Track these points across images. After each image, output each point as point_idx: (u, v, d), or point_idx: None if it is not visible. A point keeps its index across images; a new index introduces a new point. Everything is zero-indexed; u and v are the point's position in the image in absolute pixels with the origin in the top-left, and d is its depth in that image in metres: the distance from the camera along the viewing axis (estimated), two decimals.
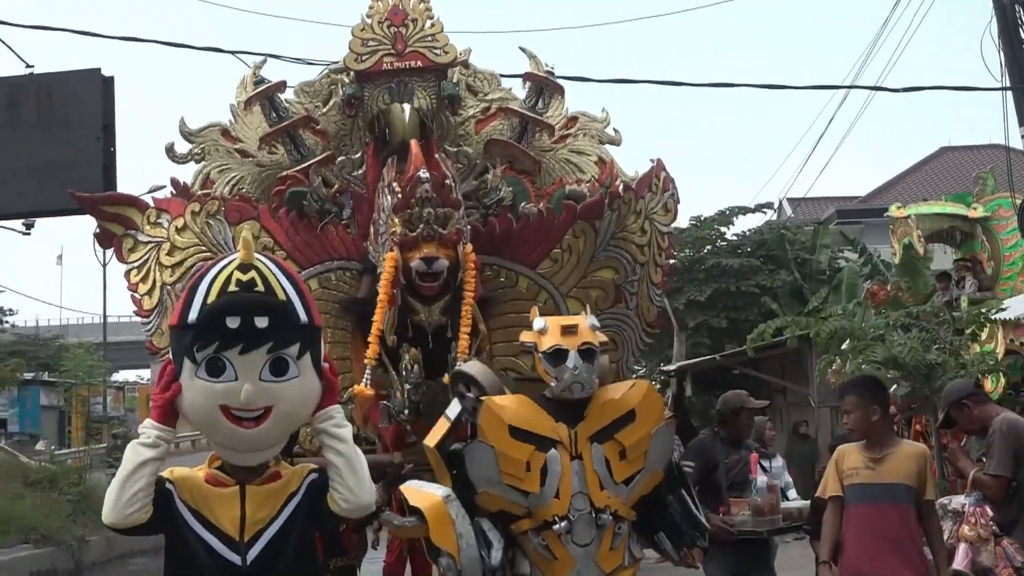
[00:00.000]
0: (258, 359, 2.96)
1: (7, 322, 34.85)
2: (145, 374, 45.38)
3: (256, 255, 3.03)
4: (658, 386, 21.43)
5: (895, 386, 9.83)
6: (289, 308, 3.01)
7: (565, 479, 4.11)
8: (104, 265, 30.74)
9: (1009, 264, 11.22)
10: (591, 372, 4.20)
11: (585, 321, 4.29)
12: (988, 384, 10.03)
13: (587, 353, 4.17)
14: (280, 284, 3.03)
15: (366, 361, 5.26)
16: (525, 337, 4.38)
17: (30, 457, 18.63)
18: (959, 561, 5.15)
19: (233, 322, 2.91)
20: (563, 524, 4.08)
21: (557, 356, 4.17)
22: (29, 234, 20.14)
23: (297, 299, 3.05)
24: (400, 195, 5.21)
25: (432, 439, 4.31)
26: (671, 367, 19.41)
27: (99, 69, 19.13)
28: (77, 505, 14.17)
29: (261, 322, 2.93)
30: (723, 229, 22.39)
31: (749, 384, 17.35)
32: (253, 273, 2.99)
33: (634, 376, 6.06)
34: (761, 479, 5.94)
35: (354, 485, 3.16)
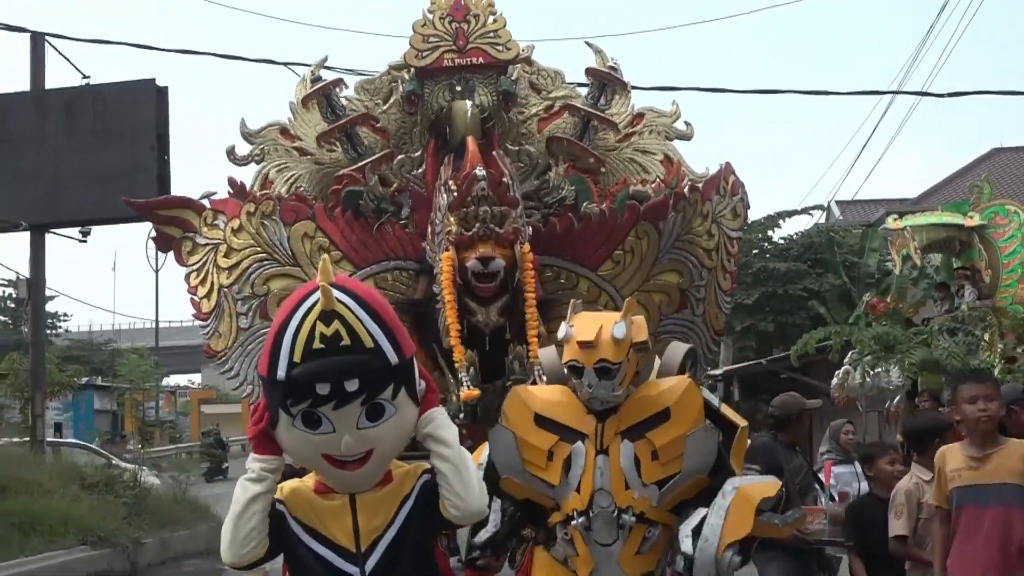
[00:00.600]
0: (353, 411, 2.85)
1: (61, 327, 35.07)
2: (196, 378, 45.59)
3: (337, 293, 2.83)
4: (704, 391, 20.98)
5: (896, 398, 9.56)
6: (378, 355, 2.86)
7: (587, 474, 3.82)
8: (156, 271, 30.85)
9: (1008, 271, 10.88)
10: (610, 388, 3.85)
11: (607, 333, 3.87)
12: None
13: (603, 371, 3.82)
14: (366, 329, 2.85)
15: (457, 365, 5.07)
16: (560, 335, 4.04)
17: (120, 456, 18.78)
18: None
19: (323, 388, 2.81)
20: (581, 520, 3.80)
21: (573, 372, 3.88)
22: (85, 242, 20.04)
23: (385, 339, 2.87)
24: (456, 193, 5.02)
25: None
26: (717, 371, 19.11)
27: (154, 80, 19.24)
28: (132, 508, 14.16)
29: (351, 385, 2.82)
30: (770, 233, 22.03)
31: (797, 388, 17.00)
32: (337, 324, 2.82)
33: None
34: (850, 490, 5.70)
35: (463, 491, 3.02)
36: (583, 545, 3.84)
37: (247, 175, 5.85)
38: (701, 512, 3.88)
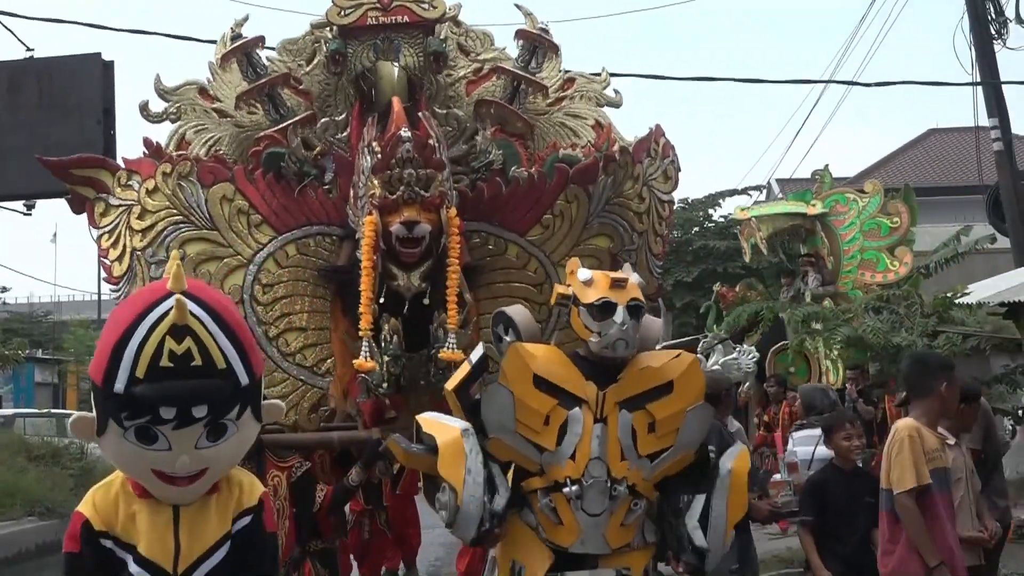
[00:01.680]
0: (194, 432, 2.60)
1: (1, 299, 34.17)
2: None
3: (191, 305, 2.58)
4: None
5: (747, 384, 9.74)
6: (228, 376, 2.65)
7: (584, 441, 3.63)
8: (98, 239, 30.02)
9: (848, 258, 11.12)
10: (637, 331, 3.70)
11: (633, 277, 3.80)
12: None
13: (635, 310, 3.69)
14: (219, 348, 2.63)
15: (361, 333, 4.81)
16: (560, 290, 3.87)
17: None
18: None
19: (168, 412, 2.57)
20: (574, 488, 3.60)
21: (605, 310, 3.67)
22: (30, 215, 19.66)
23: (238, 359, 2.66)
24: (380, 155, 4.73)
25: (451, 382, 3.84)
26: (657, 347, 18.89)
27: (99, 54, 18.51)
28: (79, 479, 13.92)
29: (199, 411, 2.59)
30: (711, 212, 21.97)
31: None
32: (189, 342, 2.58)
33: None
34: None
35: None
36: (570, 514, 3.63)
37: (161, 134, 5.47)
38: (700, 499, 3.76)
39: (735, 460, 3.83)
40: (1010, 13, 13.23)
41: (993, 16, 13.16)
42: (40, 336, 31.17)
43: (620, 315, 3.64)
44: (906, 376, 4.81)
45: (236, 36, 5.43)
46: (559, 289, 3.90)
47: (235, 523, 2.79)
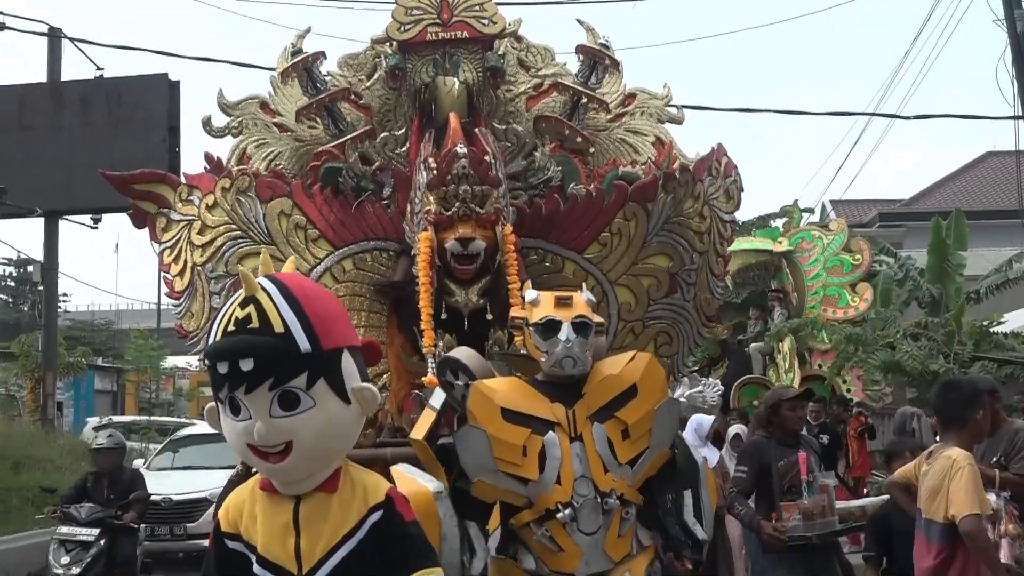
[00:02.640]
0: (263, 397, 2.67)
1: (61, 308, 34.61)
2: (194, 360, 44.79)
3: (263, 281, 2.75)
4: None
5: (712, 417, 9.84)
6: (285, 339, 2.70)
7: (566, 463, 3.53)
8: (160, 254, 30.30)
9: (812, 294, 11.19)
10: (584, 348, 3.61)
11: (581, 295, 3.73)
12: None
13: (581, 327, 3.60)
14: (279, 314, 2.71)
15: (425, 350, 4.69)
16: (514, 312, 3.83)
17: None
18: (1005, 555, 4.52)
19: (222, 367, 2.68)
20: (567, 512, 3.49)
21: (549, 328, 3.60)
22: (97, 228, 19.94)
23: (299, 326, 2.72)
24: (436, 171, 4.61)
25: (419, 431, 3.79)
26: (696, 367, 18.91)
27: (166, 74, 18.87)
28: None
29: (245, 364, 2.66)
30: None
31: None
32: (251, 308, 2.70)
33: (682, 376, 5.28)
34: (828, 480, 5.15)
35: None
36: (567, 538, 3.51)
37: (223, 149, 5.39)
38: (688, 495, 3.74)
39: (696, 452, 3.88)
40: None
41: None
42: (101, 344, 31.48)
43: (565, 332, 3.57)
44: (939, 406, 4.60)
45: (297, 51, 5.34)
46: (513, 312, 3.85)
47: (365, 521, 2.74)
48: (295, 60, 5.29)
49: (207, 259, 4.97)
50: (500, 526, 3.66)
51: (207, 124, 5.40)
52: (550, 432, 3.54)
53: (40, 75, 19.53)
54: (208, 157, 5.25)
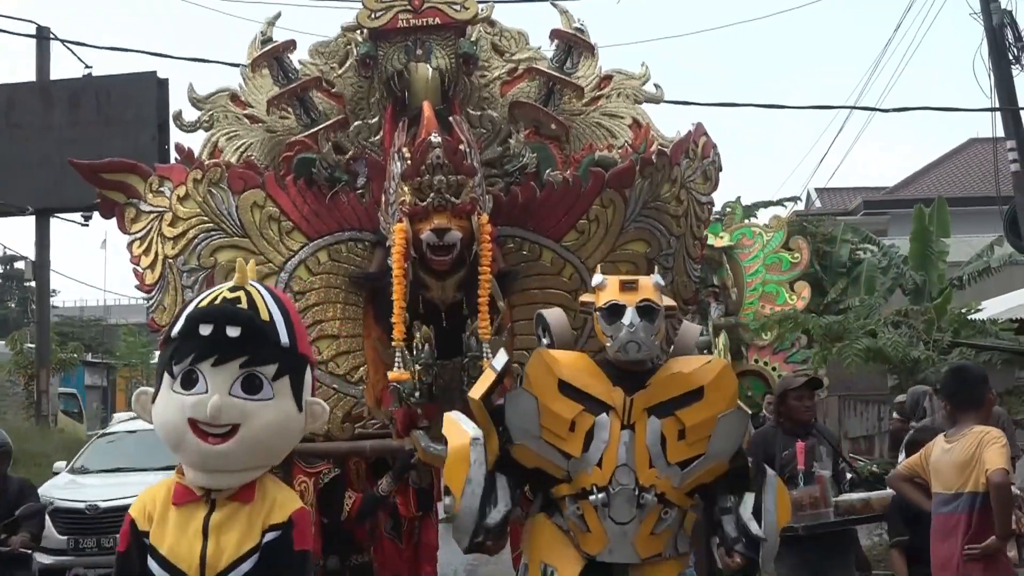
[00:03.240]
0: (229, 373, 2.71)
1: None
2: None
3: (252, 282, 2.89)
4: None
5: None
6: (268, 327, 2.79)
7: (611, 448, 3.49)
8: (129, 245, 30.18)
9: (751, 290, 10.96)
10: (650, 332, 3.53)
11: (649, 279, 3.67)
12: None
13: (646, 311, 3.54)
14: (266, 306, 2.83)
15: (394, 343, 4.56)
16: (584, 297, 3.79)
17: None
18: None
19: (205, 329, 2.73)
20: (600, 496, 3.46)
21: (613, 312, 3.56)
22: (87, 225, 20.03)
23: (283, 324, 2.83)
24: (410, 161, 4.47)
25: (477, 391, 3.69)
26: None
27: (155, 72, 18.70)
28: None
29: (233, 331, 2.72)
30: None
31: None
32: (240, 292, 2.83)
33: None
34: (824, 471, 5.07)
35: None
36: (597, 522, 3.48)
37: (196, 143, 5.26)
38: (751, 495, 3.64)
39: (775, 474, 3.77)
40: None
41: (1011, 42, 13.35)
42: (91, 340, 31.35)
43: (629, 316, 3.51)
44: (954, 390, 4.53)
45: (267, 40, 5.19)
46: (583, 297, 3.78)
47: (263, 536, 2.71)
48: (264, 49, 5.14)
49: (179, 252, 4.82)
50: (540, 493, 3.66)
51: (178, 118, 5.27)
52: (603, 414, 3.49)
53: (29, 74, 19.41)
54: (179, 148, 5.12)
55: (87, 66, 18.89)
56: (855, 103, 17.96)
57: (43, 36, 18.33)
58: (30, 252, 19.96)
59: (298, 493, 4.48)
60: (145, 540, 2.72)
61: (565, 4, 5.43)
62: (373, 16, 4.99)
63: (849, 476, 5.47)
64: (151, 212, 4.91)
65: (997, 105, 13.33)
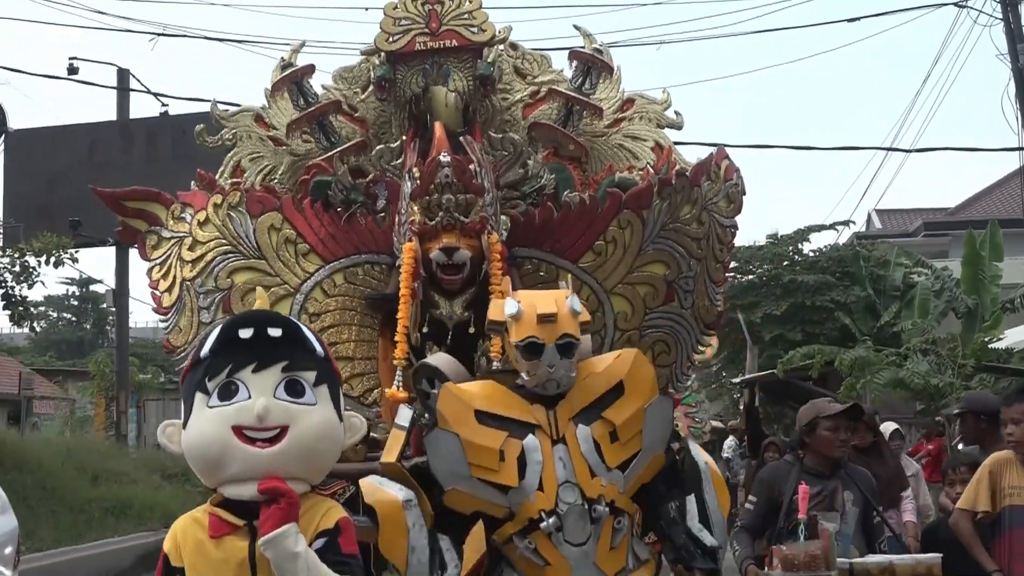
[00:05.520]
0: (272, 376, 2.48)
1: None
2: None
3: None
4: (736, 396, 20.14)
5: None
6: (304, 336, 2.62)
7: (548, 468, 3.11)
8: (149, 271, 30.24)
9: None
10: (570, 368, 3.18)
11: (565, 305, 3.23)
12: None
13: (566, 347, 3.18)
14: (294, 321, 2.74)
15: (395, 362, 4.29)
16: (495, 316, 3.37)
17: None
18: None
19: (246, 332, 2.52)
20: (552, 520, 3.06)
21: (531, 350, 3.17)
22: None
23: (314, 337, 2.65)
24: (419, 180, 4.22)
25: (390, 455, 3.30)
26: (737, 380, 18.33)
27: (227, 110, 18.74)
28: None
29: (275, 332, 2.53)
30: (800, 246, 21.00)
31: (813, 396, 15.97)
32: (268, 311, 2.76)
33: (683, 387, 4.80)
34: (829, 524, 3.99)
35: None
36: (553, 550, 3.07)
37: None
38: (692, 500, 3.29)
39: (702, 453, 3.41)
40: None
41: None
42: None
43: (548, 356, 3.15)
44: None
45: (288, 64, 4.98)
46: (491, 315, 3.39)
47: (311, 545, 2.43)
48: (284, 74, 4.94)
49: (196, 274, 4.60)
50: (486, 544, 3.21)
51: (199, 135, 5.07)
52: (530, 435, 3.12)
53: (110, 114, 19.73)
54: (200, 175, 4.91)
55: (163, 104, 19.15)
56: (898, 135, 17.57)
57: (123, 87, 18.67)
58: (107, 278, 20.25)
59: None
60: None
61: (604, 39, 5.16)
62: (391, 39, 4.76)
63: (887, 535, 4.60)
64: (171, 238, 4.71)
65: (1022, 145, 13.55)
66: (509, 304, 3.32)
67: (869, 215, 28.54)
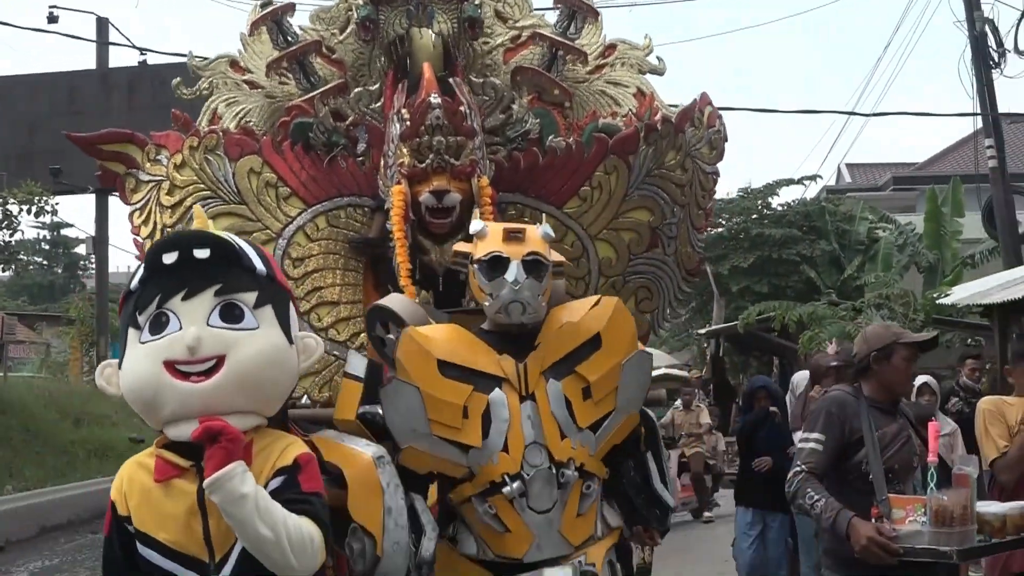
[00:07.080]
0: (204, 303, 2.25)
1: (92, 268, 33.96)
2: None
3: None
4: (703, 347, 20.18)
5: None
6: (240, 253, 2.37)
7: (515, 427, 2.79)
8: (130, 216, 30.21)
9: None
10: (537, 291, 2.86)
11: (537, 229, 3.00)
12: None
13: (533, 265, 2.89)
14: (233, 239, 2.44)
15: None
16: (460, 247, 3.10)
17: None
18: None
19: (170, 257, 2.28)
20: (516, 485, 2.76)
21: (494, 266, 2.89)
22: None
23: (255, 253, 2.41)
24: (409, 122, 3.98)
25: (347, 409, 2.95)
26: (703, 331, 18.48)
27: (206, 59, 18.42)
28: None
29: (201, 253, 2.29)
30: (769, 200, 21.04)
31: (776, 347, 16.17)
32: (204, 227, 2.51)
33: (662, 329, 4.65)
34: (968, 469, 3.39)
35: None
36: (516, 517, 2.77)
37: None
38: (650, 458, 3.04)
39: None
40: (1008, 45, 13.91)
41: (994, 47, 13.76)
42: None
43: (513, 272, 2.85)
44: None
45: (266, 3, 4.72)
46: (457, 246, 3.08)
47: (267, 485, 2.22)
48: (263, 12, 4.68)
49: (176, 220, 4.33)
50: (438, 503, 2.90)
51: (177, 87, 4.82)
52: (496, 389, 2.80)
53: (90, 62, 19.27)
54: (175, 116, 4.63)
55: (142, 52, 18.72)
56: (860, 96, 17.59)
57: (103, 40, 18.18)
58: (84, 224, 20.02)
59: None
60: (129, 527, 2.24)
61: None
62: None
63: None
64: (149, 181, 4.44)
65: (978, 110, 13.92)
66: (474, 223, 3.06)
67: (839, 169, 28.53)
